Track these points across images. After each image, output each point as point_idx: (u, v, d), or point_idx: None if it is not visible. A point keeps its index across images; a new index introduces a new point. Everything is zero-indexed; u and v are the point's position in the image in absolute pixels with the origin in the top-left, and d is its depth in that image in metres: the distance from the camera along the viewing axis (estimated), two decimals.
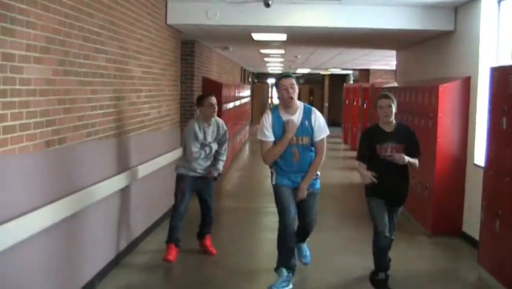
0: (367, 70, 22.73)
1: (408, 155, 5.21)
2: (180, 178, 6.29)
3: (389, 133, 5.27)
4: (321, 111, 5.79)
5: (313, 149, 5.36)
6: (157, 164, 7.25)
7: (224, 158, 6.55)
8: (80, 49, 4.76)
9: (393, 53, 12.75)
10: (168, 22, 8.20)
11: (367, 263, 5.60)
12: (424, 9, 8.04)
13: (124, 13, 6.04)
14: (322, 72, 30.55)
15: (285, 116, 5.30)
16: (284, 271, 5.33)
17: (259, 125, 5.39)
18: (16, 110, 3.68)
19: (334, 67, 25.34)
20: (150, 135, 7.20)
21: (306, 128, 5.29)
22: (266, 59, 19.24)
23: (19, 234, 3.67)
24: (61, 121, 4.40)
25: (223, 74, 16.35)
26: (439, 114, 7.19)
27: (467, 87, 7.21)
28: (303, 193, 5.33)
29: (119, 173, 5.74)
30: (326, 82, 33.35)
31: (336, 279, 5.81)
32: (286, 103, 5.28)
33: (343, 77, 30.46)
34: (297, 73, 31.61)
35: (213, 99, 6.28)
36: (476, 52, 7.11)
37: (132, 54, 6.40)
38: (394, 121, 5.32)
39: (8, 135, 3.58)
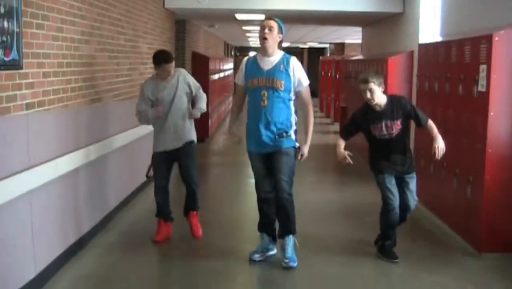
0: (342, 44, 24.44)
1: (417, 126, 5.17)
2: (153, 157, 5.88)
3: (380, 112, 5.02)
4: None
5: (287, 99, 4.97)
6: None
7: (204, 98, 5.83)
8: (109, 32, 6.38)
9: (360, 29, 14.47)
10: (166, 6, 9.82)
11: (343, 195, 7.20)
12: None
13: (136, 2, 7.65)
14: (301, 45, 32.23)
15: (261, 59, 5.04)
16: (265, 236, 5.25)
17: None
18: (76, 77, 5.31)
19: (312, 41, 27.04)
20: None
21: (280, 71, 4.94)
22: (247, 34, 20.88)
23: (75, 161, 5.32)
24: (99, 85, 6.04)
25: (209, 49, 17.95)
26: (388, 81, 8.89)
27: (410, 59, 8.92)
28: (304, 156, 5.09)
29: (133, 127, 7.37)
30: (305, 56, 35.02)
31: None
32: (262, 43, 5.00)
33: (321, 51, 32.11)
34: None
35: (168, 66, 5.58)
36: (417, 30, 8.84)
37: (141, 34, 8.03)
38: (383, 99, 5.03)
39: (72, 93, 5.22)
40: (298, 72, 5.01)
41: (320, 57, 24.20)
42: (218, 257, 5.34)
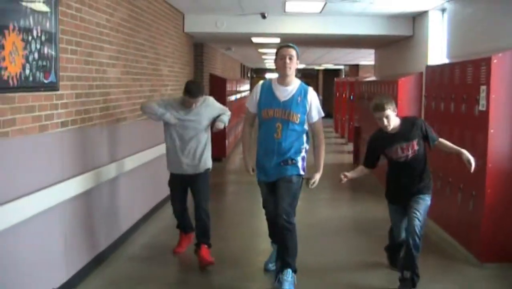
0: (357, 66, 24.85)
1: (429, 146, 5.04)
2: (171, 178, 5.94)
3: (394, 135, 4.95)
4: None
5: (301, 132, 4.93)
6: None
7: (228, 114, 5.88)
8: (133, 56, 6.82)
9: (373, 51, 14.87)
10: (186, 30, 10.28)
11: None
12: (389, 19, 10.13)
13: (158, 27, 8.12)
14: (317, 67, 32.67)
15: (277, 88, 4.92)
16: (275, 245, 5.23)
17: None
18: (104, 98, 5.73)
19: (327, 63, 27.46)
20: None
21: (297, 104, 4.86)
22: (263, 56, 21.36)
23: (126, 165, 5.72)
24: (125, 106, 6.46)
25: (226, 71, 18.43)
26: (398, 102, 9.24)
27: (420, 80, 9.28)
28: (314, 183, 5.02)
29: (156, 145, 7.76)
30: (321, 77, 35.44)
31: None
32: (282, 73, 4.88)
33: (336, 72, 32.53)
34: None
35: (192, 100, 5.67)
36: (425, 53, 9.21)
37: (162, 58, 8.48)
38: (397, 123, 4.97)
39: (100, 113, 5.64)
40: (314, 105, 4.93)
41: (335, 79, 24.60)
42: (233, 267, 5.60)
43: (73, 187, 4.82)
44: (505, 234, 5.62)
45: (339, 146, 17.50)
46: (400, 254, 5.21)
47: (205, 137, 5.73)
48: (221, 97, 12.95)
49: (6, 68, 3.64)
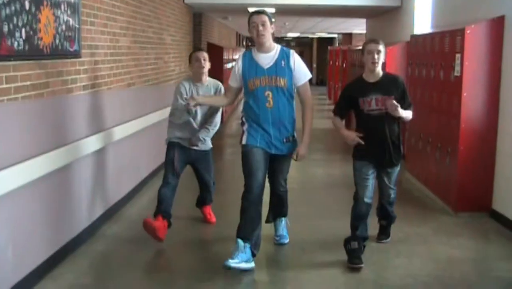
0: (350, 34, 25.40)
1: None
2: (169, 146, 5.64)
3: (373, 84, 4.78)
4: (311, 71, 5.19)
5: (290, 96, 4.77)
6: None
7: (211, 127, 5.58)
8: (140, 26, 7.40)
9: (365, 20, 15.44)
10: (186, 1, 10.83)
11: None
12: None
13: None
14: (311, 36, 33.16)
15: (258, 56, 4.77)
16: (240, 242, 4.62)
17: None
18: (116, 64, 6.34)
19: (321, 32, 27.96)
20: (175, 85, 9.89)
21: (282, 68, 4.71)
22: None
23: (134, 127, 6.36)
24: (133, 72, 7.08)
25: (222, 39, 18.96)
26: (387, 69, 9.80)
27: (406, 49, 9.88)
28: (302, 157, 4.88)
29: (162, 108, 8.36)
30: (315, 45, 35.92)
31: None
32: (256, 40, 4.75)
33: (330, 40, 33.03)
34: (288, 37, 34.24)
35: (200, 54, 5.52)
36: (411, 22, 9.82)
37: (165, 27, 9.06)
38: (380, 72, 4.82)
39: (113, 78, 6.26)
40: (299, 67, 4.80)
41: (329, 47, 25.14)
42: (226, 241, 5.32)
43: (92, 143, 5.44)
44: (476, 186, 6.30)
45: (331, 112, 18.16)
46: (361, 244, 4.90)
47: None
48: (218, 65, 13.60)
49: (41, 38, 4.25)
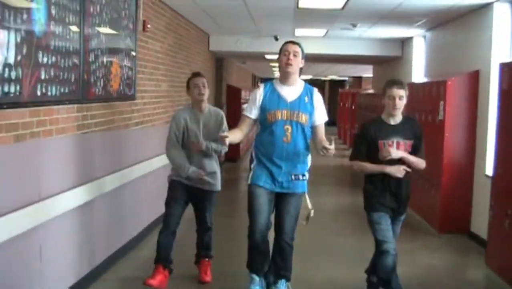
0: (360, 78, 26.80)
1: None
2: (171, 185, 5.28)
3: (395, 127, 4.56)
4: None
5: (307, 134, 4.56)
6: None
7: (220, 148, 5.19)
8: (176, 73, 8.76)
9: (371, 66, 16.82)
10: (210, 49, 12.26)
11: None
12: (382, 42, 12.05)
13: (191, 48, 10.08)
14: (323, 78, 34.65)
15: (281, 88, 4.56)
16: (255, 276, 4.69)
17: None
18: (158, 105, 7.66)
19: (332, 75, 29.46)
20: None
21: (305, 104, 4.53)
22: (274, 68, 23.38)
23: (151, 165, 7.62)
24: (169, 111, 8.38)
25: (240, 81, 20.40)
26: None
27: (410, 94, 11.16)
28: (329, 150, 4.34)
29: None
30: (327, 87, 37.38)
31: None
32: (283, 70, 4.52)
33: (341, 83, 34.47)
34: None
35: (199, 80, 5.24)
36: (409, 71, 11.15)
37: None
38: (400, 115, 4.63)
39: (156, 116, 7.56)
40: (320, 107, 4.63)
41: (339, 90, 26.54)
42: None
43: (139, 169, 6.70)
44: (456, 211, 7.50)
45: (341, 151, 19.34)
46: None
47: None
48: (236, 104, 15.02)
49: (112, 86, 5.57)
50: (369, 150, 4.58)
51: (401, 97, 4.53)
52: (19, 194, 3.87)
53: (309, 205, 4.72)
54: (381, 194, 4.62)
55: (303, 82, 4.68)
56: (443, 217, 7.52)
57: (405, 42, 11.82)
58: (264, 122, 4.61)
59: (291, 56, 4.50)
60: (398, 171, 4.51)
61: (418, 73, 10.89)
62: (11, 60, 3.56)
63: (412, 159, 4.57)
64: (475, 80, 7.29)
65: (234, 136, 4.63)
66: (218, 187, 5.36)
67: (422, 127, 4.83)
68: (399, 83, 4.61)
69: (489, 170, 6.71)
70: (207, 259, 5.46)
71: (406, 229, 7.11)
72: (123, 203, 6.16)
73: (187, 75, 9.71)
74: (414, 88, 9.17)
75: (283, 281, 4.76)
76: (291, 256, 4.77)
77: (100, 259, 5.48)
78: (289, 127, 4.51)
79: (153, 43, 7.27)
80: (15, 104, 3.67)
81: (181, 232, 5.43)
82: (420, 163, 4.65)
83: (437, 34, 9.56)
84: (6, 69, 3.50)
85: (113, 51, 5.57)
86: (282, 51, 4.56)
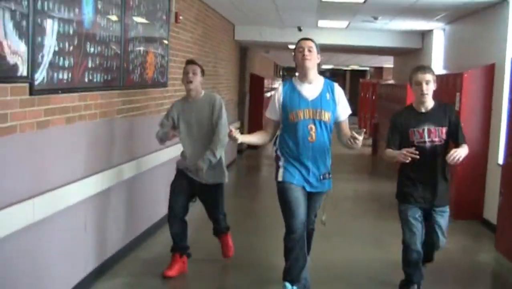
0: (381, 68, 26.97)
1: (453, 142, 4.55)
2: (176, 174, 5.24)
3: (425, 114, 4.46)
4: None
5: (330, 131, 4.48)
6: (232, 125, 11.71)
7: (216, 145, 5.01)
8: (203, 61, 9.11)
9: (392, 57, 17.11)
10: (235, 38, 12.65)
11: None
12: (403, 34, 12.36)
13: (217, 38, 10.47)
14: (344, 68, 34.87)
15: (301, 86, 4.47)
16: (288, 285, 4.50)
17: None
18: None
19: (354, 65, 29.67)
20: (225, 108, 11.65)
21: (327, 101, 4.43)
22: None
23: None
24: None
25: (262, 70, 20.79)
26: (407, 102, 11.41)
27: (410, 83, 11.48)
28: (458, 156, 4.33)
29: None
30: (348, 77, 37.63)
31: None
32: (301, 65, 4.44)
33: (362, 73, 34.65)
34: (322, 69, 36.04)
35: (189, 67, 5.10)
36: (429, 63, 11.43)
37: (219, 61, 10.83)
38: (431, 101, 4.51)
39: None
40: (342, 102, 4.53)
41: (360, 80, 26.78)
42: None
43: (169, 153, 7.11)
44: (470, 199, 7.80)
45: (362, 140, 19.75)
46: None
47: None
48: (259, 93, 15.43)
49: (147, 73, 5.99)
50: (401, 140, 4.51)
51: (428, 82, 4.42)
52: (68, 170, 4.30)
53: (322, 213, 4.76)
54: (413, 185, 4.56)
55: (322, 78, 4.57)
56: (457, 203, 7.65)
57: (425, 35, 12.11)
58: (287, 122, 4.51)
59: (306, 52, 4.42)
60: (402, 156, 4.35)
61: (438, 65, 11.18)
62: (65, 50, 3.99)
63: (463, 154, 4.40)
64: (490, 73, 7.60)
65: (257, 138, 4.70)
66: (221, 179, 5.17)
67: None
68: (423, 68, 4.52)
69: (502, 159, 6.99)
70: (224, 233, 5.41)
71: None
72: (158, 180, 6.58)
73: (213, 64, 10.17)
74: None
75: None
76: (311, 239, 4.85)
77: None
78: (313, 126, 4.41)
79: (184, 33, 7.68)
80: (67, 89, 4.10)
81: (198, 217, 5.68)
82: (465, 152, 4.45)
83: (456, 27, 9.86)
84: (61, 58, 3.93)
85: (149, 41, 5.99)
86: (297, 49, 4.48)
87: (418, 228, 4.58)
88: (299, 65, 4.48)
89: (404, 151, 4.34)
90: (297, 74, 4.71)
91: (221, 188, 5.21)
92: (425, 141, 4.44)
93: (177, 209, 5.10)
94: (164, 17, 6.52)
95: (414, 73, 4.48)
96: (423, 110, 4.49)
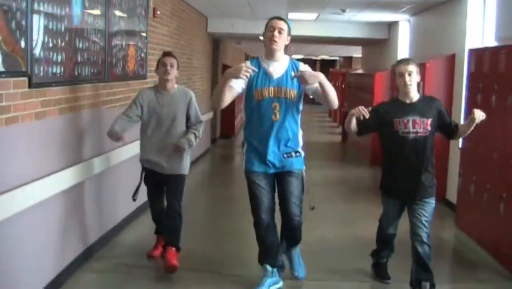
0: (350, 58, 27.56)
1: (442, 133, 4.64)
2: (144, 175, 5.22)
3: (410, 105, 4.45)
4: None
5: (296, 110, 4.47)
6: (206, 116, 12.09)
7: (197, 130, 5.14)
8: (179, 54, 9.45)
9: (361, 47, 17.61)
10: (208, 30, 12.99)
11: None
12: (370, 25, 12.84)
13: (191, 31, 10.81)
14: (314, 58, 35.38)
15: (266, 65, 4.40)
16: (268, 267, 4.59)
17: None
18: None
19: (324, 55, 30.18)
20: (199, 99, 11.99)
21: (292, 79, 4.37)
22: None
23: None
24: None
25: (234, 60, 21.10)
26: (375, 91, 11.88)
27: (392, 75, 11.94)
28: (310, 77, 4.27)
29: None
30: (318, 67, 38.12)
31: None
32: (268, 46, 4.41)
33: (332, 63, 35.23)
34: (292, 59, 36.45)
35: (167, 59, 5.11)
36: (395, 53, 11.93)
37: (194, 53, 11.17)
38: (416, 93, 4.51)
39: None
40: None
41: (330, 69, 27.29)
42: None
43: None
44: None
45: (332, 129, 20.24)
46: (386, 260, 5.06)
47: (181, 133, 5.11)
48: None
49: (129, 66, 6.32)
50: (383, 128, 4.54)
51: (410, 73, 4.41)
52: (63, 157, 4.66)
53: (309, 199, 4.69)
54: (394, 180, 4.59)
55: (288, 58, 4.55)
56: None
57: (391, 26, 12.60)
58: (251, 101, 4.47)
59: (276, 33, 4.37)
60: (356, 111, 4.35)
61: (404, 55, 11.64)
62: (58, 46, 4.32)
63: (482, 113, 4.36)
64: (451, 63, 8.08)
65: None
66: (182, 170, 5.13)
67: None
68: (405, 60, 4.56)
69: (461, 143, 7.34)
70: (173, 249, 5.03)
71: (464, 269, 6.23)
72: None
73: (188, 56, 10.50)
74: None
75: (296, 247, 4.88)
76: (301, 229, 4.74)
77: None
78: (277, 104, 4.38)
79: (161, 27, 8.01)
80: (60, 82, 4.44)
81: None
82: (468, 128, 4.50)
83: (420, 19, 10.35)
84: (55, 54, 4.26)
85: (130, 36, 6.32)
86: (268, 27, 4.44)
87: (396, 219, 4.76)
88: (267, 45, 4.45)
89: (358, 108, 4.34)
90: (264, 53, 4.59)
91: (182, 179, 5.16)
92: (409, 132, 4.43)
93: (155, 207, 5.32)
94: (143, 12, 6.85)
95: (397, 65, 4.52)
96: (407, 101, 4.49)
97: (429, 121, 4.44)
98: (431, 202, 4.55)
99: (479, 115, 4.31)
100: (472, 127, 4.44)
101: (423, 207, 4.51)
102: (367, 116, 4.31)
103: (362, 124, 4.51)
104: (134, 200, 5.27)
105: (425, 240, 4.48)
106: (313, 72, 4.38)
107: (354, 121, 4.49)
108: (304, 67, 4.52)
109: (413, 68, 4.42)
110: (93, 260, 5.35)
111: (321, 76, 4.36)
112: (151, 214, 5.42)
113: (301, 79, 4.28)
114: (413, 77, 4.42)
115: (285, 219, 4.62)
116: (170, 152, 5.01)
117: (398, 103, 4.53)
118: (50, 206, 4.39)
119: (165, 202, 5.25)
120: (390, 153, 4.59)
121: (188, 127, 5.13)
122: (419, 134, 4.43)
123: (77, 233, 5.09)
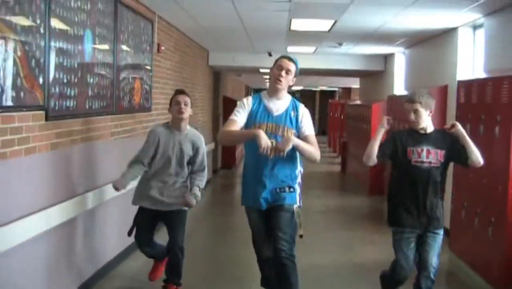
0: (349, 89, 27.90)
1: (458, 162, 4.63)
2: (138, 211, 5.13)
3: (425, 135, 4.47)
4: (314, 121, 4.83)
5: (294, 150, 4.38)
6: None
7: (201, 181, 5.08)
8: (181, 86, 9.82)
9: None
10: (209, 64, 13.37)
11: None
12: (366, 57, 13.21)
13: (193, 64, 11.17)
14: (314, 89, 35.81)
15: (267, 100, 4.45)
16: None
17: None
18: (168, 116, 8.73)
19: (323, 86, 30.62)
20: (201, 131, 12.30)
21: (291, 118, 4.43)
22: (267, 80, 24.52)
23: None
24: None
25: (234, 92, 21.54)
26: (372, 122, 12.18)
27: (388, 105, 12.28)
28: (283, 144, 4.25)
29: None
30: (317, 97, 38.57)
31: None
32: (272, 84, 4.44)
33: (331, 93, 35.60)
34: (292, 90, 36.95)
35: (181, 97, 5.00)
36: (392, 84, 12.29)
37: (195, 86, 11.52)
38: (430, 126, 4.49)
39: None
40: (307, 120, 4.50)
41: (329, 100, 27.68)
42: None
43: None
44: None
45: (331, 158, 20.53)
46: None
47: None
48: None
49: (135, 99, 6.64)
50: (396, 156, 4.52)
51: (415, 111, 4.40)
52: (81, 184, 4.96)
53: (300, 228, 4.49)
54: (406, 210, 4.52)
55: (290, 97, 4.56)
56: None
57: (387, 58, 12.98)
58: None
59: (283, 73, 4.37)
60: (384, 120, 4.56)
61: (399, 86, 12.02)
62: (72, 81, 4.64)
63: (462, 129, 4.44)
64: (444, 93, 8.40)
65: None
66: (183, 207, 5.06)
67: None
68: (411, 97, 4.48)
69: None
70: (175, 287, 5.16)
71: (379, 222, 8.06)
72: None
73: (190, 89, 10.84)
74: (394, 100, 10.33)
75: None
76: (296, 273, 4.43)
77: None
78: (274, 141, 4.31)
79: (164, 61, 8.36)
80: (73, 115, 4.75)
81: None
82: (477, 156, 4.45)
83: (415, 51, 10.72)
84: (68, 89, 4.58)
85: (136, 70, 6.65)
86: (276, 65, 4.44)
87: (412, 251, 4.54)
88: (272, 82, 4.47)
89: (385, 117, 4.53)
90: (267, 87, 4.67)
91: (183, 214, 5.12)
92: (422, 162, 4.43)
93: (141, 241, 5.14)
94: (148, 48, 7.20)
95: (404, 102, 4.53)
96: (422, 131, 4.48)
97: (443, 153, 4.45)
98: (441, 233, 4.55)
99: (452, 125, 4.44)
100: (468, 139, 4.40)
101: (435, 238, 4.50)
102: (386, 123, 4.54)
103: (382, 147, 4.52)
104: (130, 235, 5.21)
105: (431, 276, 4.48)
106: (284, 139, 4.31)
107: (377, 143, 4.50)
108: (303, 110, 4.54)
109: (418, 106, 4.38)
110: None
111: (294, 141, 4.30)
112: (138, 247, 5.26)
113: (276, 150, 4.28)
114: (419, 114, 4.40)
115: (275, 256, 4.43)
116: (172, 192, 4.98)
117: (413, 133, 4.51)
118: (65, 229, 4.67)
119: (153, 234, 5.21)
120: (400, 181, 4.56)
121: (190, 172, 5.08)
122: (432, 165, 4.43)
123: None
